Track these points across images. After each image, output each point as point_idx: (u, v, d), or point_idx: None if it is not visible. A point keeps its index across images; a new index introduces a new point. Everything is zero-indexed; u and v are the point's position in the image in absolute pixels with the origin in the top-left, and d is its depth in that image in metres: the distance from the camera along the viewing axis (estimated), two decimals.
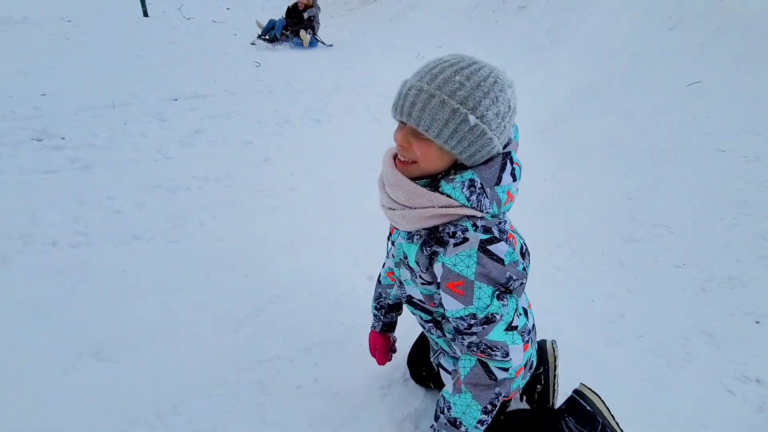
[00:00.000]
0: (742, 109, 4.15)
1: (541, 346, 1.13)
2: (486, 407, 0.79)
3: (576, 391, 1.02)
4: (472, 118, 0.68)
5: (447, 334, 0.95)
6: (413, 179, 0.77)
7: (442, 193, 0.74)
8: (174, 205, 2.19)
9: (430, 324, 0.97)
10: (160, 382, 1.26)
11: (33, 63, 4.78)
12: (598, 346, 1.42)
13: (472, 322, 0.76)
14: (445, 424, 0.82)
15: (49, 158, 2.51)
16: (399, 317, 1.20)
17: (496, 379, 0.78)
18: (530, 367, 1.00)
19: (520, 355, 0.77)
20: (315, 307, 1.56)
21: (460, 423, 0.80)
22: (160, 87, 4.05)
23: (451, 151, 0.73)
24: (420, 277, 0.85)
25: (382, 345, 1.17)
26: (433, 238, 0.79)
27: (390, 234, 0.99)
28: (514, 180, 0.78)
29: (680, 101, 4.50)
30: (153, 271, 1.71)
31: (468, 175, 0.74)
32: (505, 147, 0.78)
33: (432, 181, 0.78)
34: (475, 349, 0.77)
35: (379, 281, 1.14)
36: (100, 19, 8.39)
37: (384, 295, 1.13)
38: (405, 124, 0.76)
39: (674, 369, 1.33)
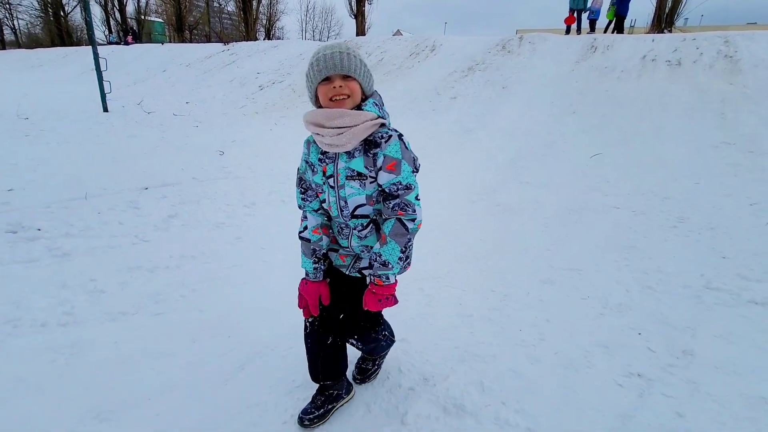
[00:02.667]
0: (631, 175, 5.16)
1: None
2: (402, 249, 1.27)
3: None
4: (367, 65, 1.24)
5: (379, 225, 1.34)
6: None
7: (368, 111, 1.21)
8: (155, 283, 2.40)
9: (369, 227, 1.34)
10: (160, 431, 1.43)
11: (11, 155, 4.91)
12: (525, 364, 1.78)
13: (399, 186, 1.23)
14: (379, 266, 1.27)
15: (27, 249, 2.66)
16: None
17: (407, 230, 1.25)
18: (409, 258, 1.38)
19: (420, 214, 1.27)
20: (295, 357, 1.81)
21: (388, 262, 1.27)
22: (129, 178, 4.33)
23: (363, 83, 1.23)
24: (369, 176, 1.25)
25: (327, 290, 1.44)
26: (371, 145, 1.23)
27: (325, 176, 1.32)
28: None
29: (585, 170, 5.49)
30: (142, 341, 1.89)
31: (371, 99, 1.25)
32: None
33: (357, 108, 1.23)
34: (397, 208, 1.24)
35: (308, 240, 1.41)
36: (58, 116, 8.67)
37: (318, 249, 1.41)
38: (329, 79, 1.20)
39: (580, 375, 1.71)
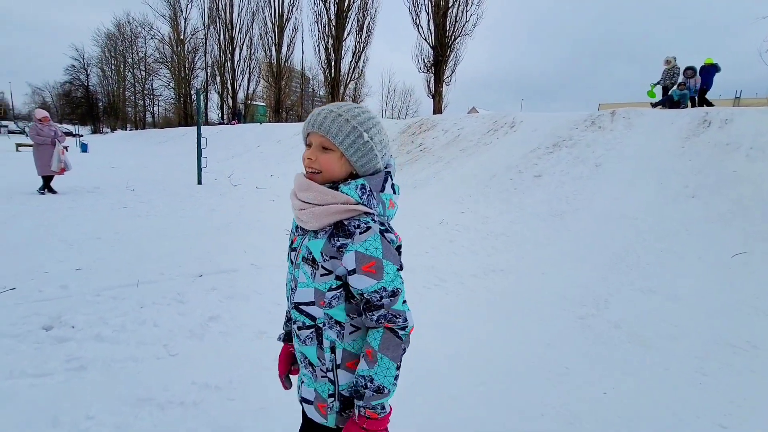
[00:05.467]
0: None
1: None
2: (398, 365, 0.98)
3: None
4: (365, 135, 0.92)
5: (325, 341, 1.02)
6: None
7: (342, 193, 0.95)
8: (160, 429, 1.84)
9: (310, 331, 1.03)
10: None
11: (83, 232, 5.18)
12: None
13: (383, 294, 0.95)
14: (372, 395, 0.95)
15: (47, 355, 2.34)
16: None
17: (401, 339, 0.98)
18: None
19: (412, 319, 1.00)
20: None
21: (383, 387, 0.96)
22: (190, 260, 4.15)
23: (349, 158, 0.95)
24: (322, 267, 0.98)
25: (283, 356, 1.21)
26: (340, 231, 0.96)
27: (291, 247, 1.10)
28: (394, 192, 1.03)
29: (729, 276, 4.17)
30: None
31: (360, 180, 0.97)
32: (386, 167, 1.02)
33: (333, 185, 0.97)
34: (383, 320, 0.97)
35: None
36: (159, 188, 9.58)
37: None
38: (310, 145, 0.99)
39: None
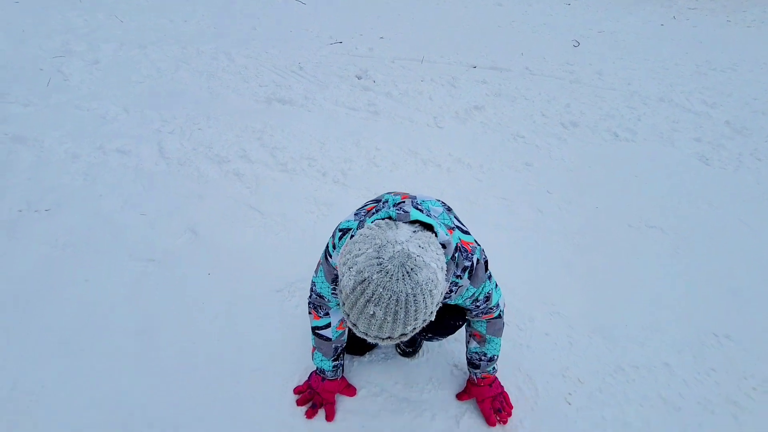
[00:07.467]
0: None
1: None
2: (501, 337, 1.14)
3: None
4: (419, 327, 0.78)
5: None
6: None
7: None
8: (421, 176, 2.20)
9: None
10: None
11: (389, 8, 5.73)
12: None
13: (477, 303, 1.02)
14: (488, 364, 1.14)
15: (357, 96, 2.96)
16: None
17: (500, 317, 1.11)
18: None
19: (502, 298, 1.10)
20: None
21: (495, 357, 1.14)
22: (466, 51, 4.10)
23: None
24: None
25: (346, 390, 1.23)
26: None
27: None
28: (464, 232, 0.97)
29: None
30: None
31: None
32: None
33: None
34: (480, 314, 1.08)
35: (329, 339, 1.12)
36: None
37: (340, 346, 1.15)
38: None
39: None
